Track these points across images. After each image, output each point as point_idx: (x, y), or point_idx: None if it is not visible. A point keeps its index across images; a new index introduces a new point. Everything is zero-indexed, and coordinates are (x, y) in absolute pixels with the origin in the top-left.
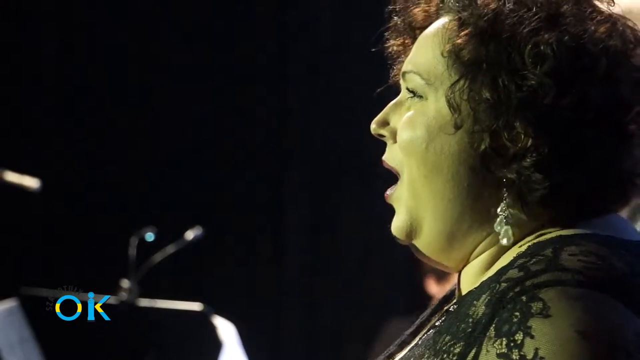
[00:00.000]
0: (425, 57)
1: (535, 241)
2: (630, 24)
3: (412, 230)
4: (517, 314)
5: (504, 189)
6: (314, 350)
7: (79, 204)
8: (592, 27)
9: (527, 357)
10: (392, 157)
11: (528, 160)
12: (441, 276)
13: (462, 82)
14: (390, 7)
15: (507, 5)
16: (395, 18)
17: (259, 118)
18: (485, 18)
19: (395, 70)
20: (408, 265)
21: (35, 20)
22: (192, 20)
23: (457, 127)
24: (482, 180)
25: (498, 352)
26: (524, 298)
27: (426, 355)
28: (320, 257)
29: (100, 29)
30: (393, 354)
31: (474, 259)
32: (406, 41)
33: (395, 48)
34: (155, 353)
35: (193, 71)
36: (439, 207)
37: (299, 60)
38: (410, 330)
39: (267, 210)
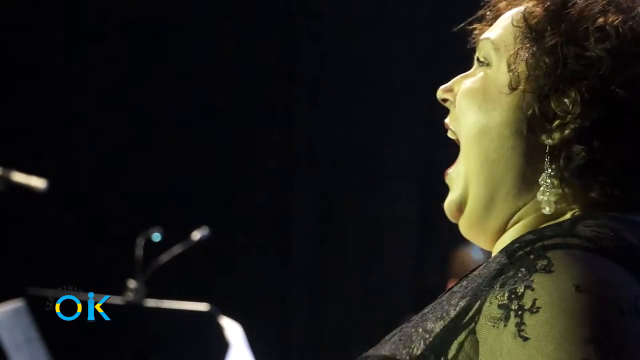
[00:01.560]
0: (499, 28)
1: (563, 219)
2: None
3: (462, 202)
4: (522, 269)
5: (546, 158)
6: (321, 350)
7: (86, 204)
8: None
9: (525, 307)
10: (452, 121)
11: (571, 127)
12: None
13: (527, 44)
14: (483, 3)
15: None
16: (482, 9)
17: (266, 118)
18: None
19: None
20: (414, 266)
21: (41, 20)
22: (195, 19)
23: (512, 88)
24: (525, 144)
25: (500, 303)
26: (531, 256)
27: (437, 311)
28: (326, 257)
29: (105, 29)
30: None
31: (509, 229)
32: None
33: (479, 37)
34: (161, 353)
35: (199, 71)
36: (483, 170)
37: (306, 60)
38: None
39: (274, 211)
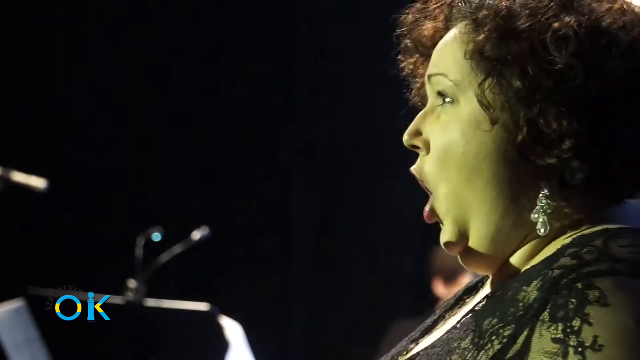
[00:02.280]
0: (447, 63)
1: (580, 234)
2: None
3: (461, 240)
4: (573, 300)
5: (543, 178)
6: (321, 350)
7: (86, 204)
8: (607, 6)
9: (586, 344)
10: (421, 169)
11: (567, 143)
12: (449, 277)
13: (490, 79)
14: (398, 31)
15: (519, 0)
16: (404, 40)
17: (266, 117)
18: (501, 14)
19: (413, 91)
20: (415, 266)
21: (42, 21)
22: (195, 19)
23: (494, 123)
24: (522, 172)
25: (554, 337)
26: (579, 285)
27: (470, 337)
28: (327, 257)
29: (107, 29)
30: (417, 339)
31: (513, 254)
32: (418, 60)
33: (409, 69)
34: (162, 353)
35: (198, 71)
36: (483, 209)
37: (305, 59)
38: (434, 318)
39: (274, 211)
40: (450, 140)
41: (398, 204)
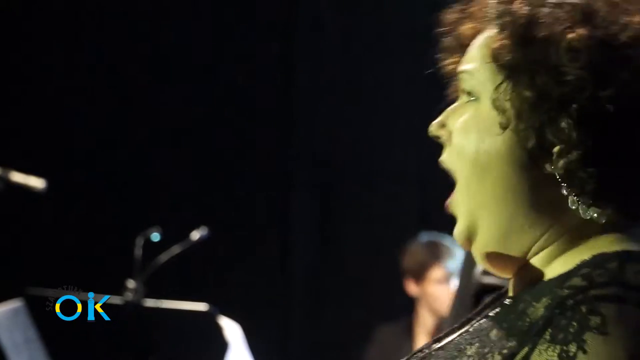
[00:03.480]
0: (474, 63)
1: (600, 251)
2: None
3: (470, 233)
4: (574, 323)
5: (562, 184)
6: (320, 351)
7: (85, 204)
8: (625, 20)
9: None
10: (449, 158)
11: (574, 154)
12: (418, 274)
13: (504, 84)
14: (441, 29)
15: (542, 9)
16: (446, 38)
17: (265, 118)
18: (520, 22)
19: (451, 89)
20: None
21: (39, 19)
22: (195, 20)
23: (504, 127)
24: (531, 176)
25: (548, 358)
26: (583, 309)
27: (477, 345)
28: (326, 257)
29: (104, 29)
30: (440, 339)
31: (530, 258)
32: (458, 58)
33: (449, 67)
34: (160, 353)
35: (196, 71)
36: (491, 206)
37: (304, 59)
38: (462, 321)
39: (273, 211)
40: (467, 136)
41: (398, 204)
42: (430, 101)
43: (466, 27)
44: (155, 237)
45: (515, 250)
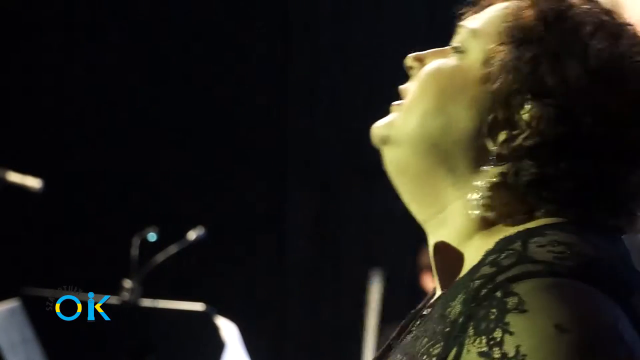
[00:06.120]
0: (485, 19)
1: (503, 236)
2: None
3: (389, 133)
4: (493, 310)
5: (492, 163)
6: (316, 350)
7: (82, 204)
8: (629, 42)
9: (509, 355)
10: (408, 86)
11: (529, 141)
12: None
13: (509, 46)
14: None
15: (576, 7)
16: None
17: (261, 118)
18: (556, 7)
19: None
20: (412, 265)
21: (39, 19)
22: (194, 20)
23: (482, 84)
24: (476, 143)
25: (479, 350)
26: (498, 294)
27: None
28: (322, 257)
29: (102, 30)
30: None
31: (438, 222)
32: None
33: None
34: (157, 353)
35: (194, 72)
36: (426, 147)
37: (300, 58)
38: (393, 335)
39: (270, 211)
40: (438, 74)
41: (396, 203)
42: None
43: None
44: (152, 237)
45: (429, 195)
